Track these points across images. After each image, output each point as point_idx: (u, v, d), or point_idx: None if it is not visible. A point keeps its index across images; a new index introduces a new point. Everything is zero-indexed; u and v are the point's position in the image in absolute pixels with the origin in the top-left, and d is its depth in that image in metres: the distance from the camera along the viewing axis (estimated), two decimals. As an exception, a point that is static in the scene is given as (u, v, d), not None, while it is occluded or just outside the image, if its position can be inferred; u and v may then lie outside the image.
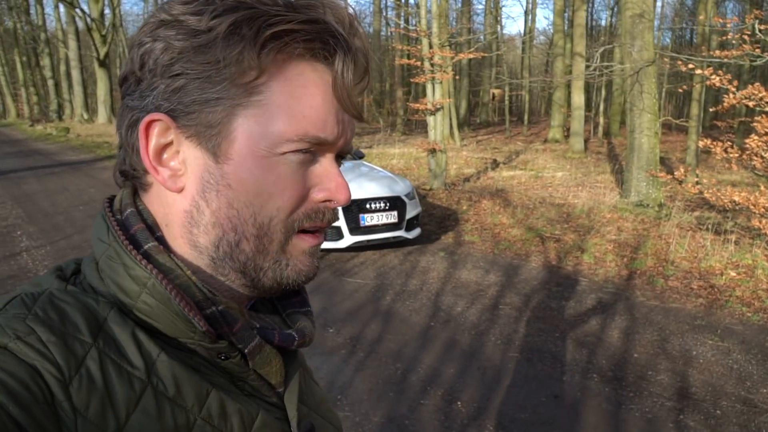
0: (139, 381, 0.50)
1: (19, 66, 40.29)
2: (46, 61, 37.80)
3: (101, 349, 0.49)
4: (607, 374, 3.83)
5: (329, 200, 0.58)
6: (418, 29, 10.70)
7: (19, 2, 37.81)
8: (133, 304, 0.53)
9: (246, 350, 0.56)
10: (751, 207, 5.78)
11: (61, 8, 33.26)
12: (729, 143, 6.28)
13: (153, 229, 0.57)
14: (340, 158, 0.62)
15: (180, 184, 0.56)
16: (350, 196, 0.59)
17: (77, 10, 28.66)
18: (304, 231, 0.59)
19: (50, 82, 36.83)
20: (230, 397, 0.55)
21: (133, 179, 0.59)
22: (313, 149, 0.56)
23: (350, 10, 0.58)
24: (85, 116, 32.40)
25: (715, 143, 6.25)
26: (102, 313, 0.51)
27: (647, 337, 4.44)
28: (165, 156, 0.56)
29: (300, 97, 0.54)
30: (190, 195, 0.56)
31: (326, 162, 0.58)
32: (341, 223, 6.26)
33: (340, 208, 6.28)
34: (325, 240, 6.25)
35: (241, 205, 0.55)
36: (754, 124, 5.74)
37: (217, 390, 0.54)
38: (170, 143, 0.55)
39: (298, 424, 0.63)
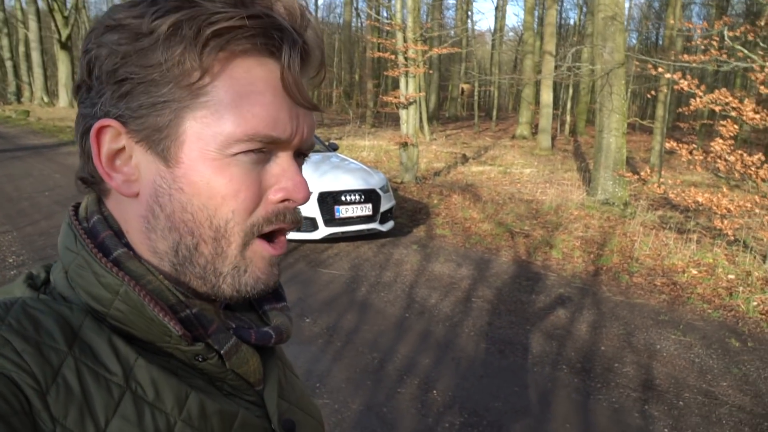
0: (117, 387, 0.49)
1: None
2: (4, 42, 36.37)
3: (77, 357, 0.48)
4: (576, 366, 3.96)
5: (287, 200, 0.57)
6: (393, 22, 10.73)
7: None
8: (106, 312, 0.52)
9: (222, 351, 0.56)
10: (714, 208, 6.02)
11: (22, -14, 32.16)
12: (693, 146, 6.52)
13: (119, 236, 0.57)
14: (303, 156, 0.61)
15: (134, 189, 0.55)
16: (309, 194, 0.58)
17: (39, -11, 27.75)
18: (266, 237, 0.57)
19: (8, 64, 35.47)
20: (210, 398, 0.55)
21: (93, 186, 0.58)
22: (266, 148, 0.55)
23: (300, 2, 0.56)
24: (46, 99, 31.42)
25: (680, 145, 6.47)
26: (76, 321, 0.51)
27: (613, 330, 4.60)
28: (118, 162, 0.55)
29: (248, 95, 0.53)
30: (144, 200, 0.55)
31: (283, 161, 0.57)
32: (316, 214, 6.27)
33: (314, 199, 6.29)
34: (300, 231, 6.26)
35: (195, 209, 0.54)
36: (719, 128, 5.97)
37: (197, 392, 0.54)
38: (122, 149, 0.55)
39: (278, 420, 0.63)
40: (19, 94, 35.24)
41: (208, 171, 0.53)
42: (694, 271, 5.94)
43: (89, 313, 0.52)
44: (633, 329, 4.64)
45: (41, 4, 30.12)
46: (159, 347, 0.54)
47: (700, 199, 6.16)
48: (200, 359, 0.55)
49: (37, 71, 31.52)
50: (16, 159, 12.60)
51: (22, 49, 35.73)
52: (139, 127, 0.53)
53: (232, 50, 0.52)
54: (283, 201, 0.57)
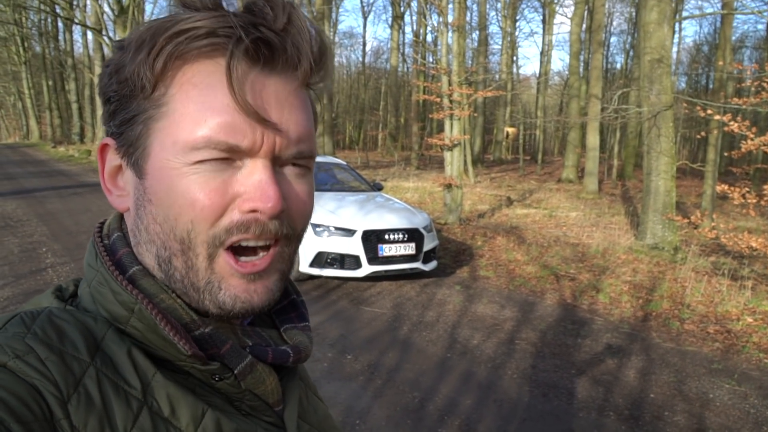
0: (136, 400, 0.49)
1: (45, 89, 41.33)
2: (71, 86, 38.75)
3: (98, 367, 0.49)
4: (624, 413, 3.84)
5: (254, 210, 0.52)
6: (438, 66, 10.95)
7: (49, 29, 39.01)
8: (123, 329, 0.53)
9: (236, 371, 0.55)
10: (769, 253, 5.82)
11: (89, 35, 34.22)
12: (746, 189, 6.35)
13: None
14: (300, 168, 0.57)
15: (125, 204, 0.57)
16: (279, 205, 0.52)
17: (105, 38, 29.47)
18: (236, 251, 0.54)
19: (74, 106, 37.71)
20: (227, 416, 0.54)
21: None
22: (230, 156, 0.52)
23: (286, 3, 0.53)
24: (106, 139, 32.93)
25: (732, 188, 6.32)
26: (99, 333, 0.51)
27: (663, 378, 4.45)
28: (118, 179, 0.58)
29: (202, 100, 0.51)
30: (132, 214, 0.56)
31: (252, 168, 0.53)
32: (360, 252, 6.35)
33: (358, 237, 6.37)
34: (344, 269, 6.34)
35: (161, 220, 0.53)
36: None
37: (214, 410, 0.53)
38: (120, 165, 0.57)
39: None
40: (82, 135, 37.22)
41: (169, 181, 0.52)
42: (750, 319, 5.70)
43: (112, 325, 0.53)
44: (684, 377, 4.48)
45: (107, 51, 31.94)
46: (177, 365, 0.54)
47: (754, 244, 5.96)
48: (217, 378, 0.55)
49: (100, 113, 33.15)
50: (77, 195, 13.25)
51: (87, 92, 37.87)
52: (122, 142, 0.55)
53: (185, 55, 0.51)
54: (251, 212, 0.53)
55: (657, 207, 8.98)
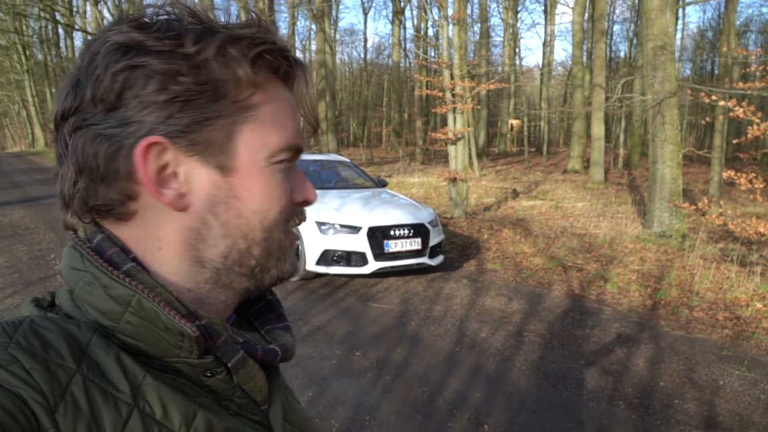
0: (125, 405, 0.50)
1: (48, 97, 41.44)
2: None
3: (85, 374, 0.49)
4: (634, 402, 3.83)
5: (305, 201, 0.65)
6: (439, 60, 10.92)
7: (50, 36, 39.18)
8: (115, 326, 0.53)
9: (230, 364, 0.57)
10: (777, 238, 5.77)
11: (92, 40, 34.37)
12: (753, 174, 6.31)
13: (126, 252, 0.57)
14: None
15: (186, 203, 0.57)
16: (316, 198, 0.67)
17: (107, 43, 29.54)
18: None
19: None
20: (217, 416, 0.55)
21: (107, 212, 0.57)
22: (292, 158, 0.62)
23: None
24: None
25: (739, 174, 6.28)
26: (84, 339, 0.51)
27: (673, 366, 4.43)
28: (164, 177, 0.56)
29: (282, 111, 0.60)
30: (195, 212, 0.57)
31: (296, 168, 0.65)
32: (366, 248, 6.35)
33: (363, 234, 6.38)
34: (350, 266, 6.35)
35: (249, 213, 0.58)
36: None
37: (204, 410, 0.54)
38: (167, 164, 0.55)
39: None
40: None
41: (261, 178, 0.59)
42: (759, 305, 5.67)
43: (97, 330, 0.53)
44: (694, 364, 4.46)
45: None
46: (167, 364, 0.54)
47: (762, 230, 5.92)
48: (209, 374, 0.56)
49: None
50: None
51: (90, 98, 37.96)
52: (191, 141, 0.55)
53: (270, 71, 0.60)
54: (302, 203, 0.65)
55: (663, 195, 8.93)
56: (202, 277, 0.59)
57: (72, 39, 39.24)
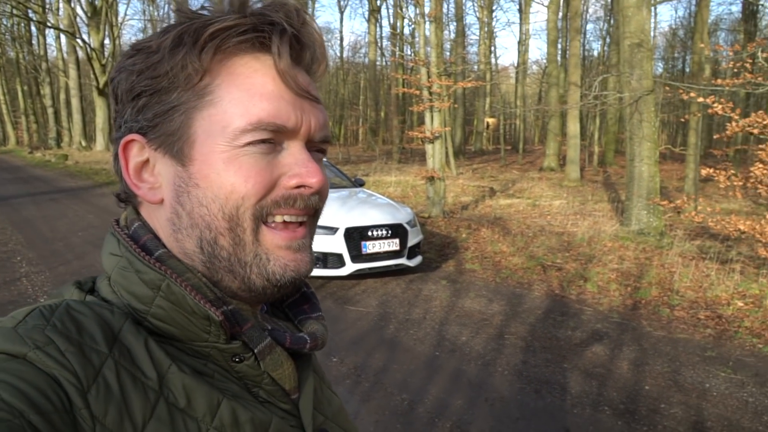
0: (153, 391, 0.50)
1: (20, 95, 40.51)
2: (46, 90, 37.99)
3: (117, 359, 0.49)
4: (619, 407, 3.73)
5: (301, 185, 0.58)
6: (416, 58, 10.80)
7: (22, 33, 38.18)
8: (147, 310, 0.54)
9: (256, 350, 0.57)
10: (757, 236, 5.74)
11: (63, 39, 33.56)
12: (732, 171, 6.28)
13: (158, 239, 0.59)
14: (321, 153, 0.63)
15: (159, 196, 0.59)
16: (323, 181, 0.59)
17: (78, 41, 28.94)
18: (279, 225, 0.59)
19: (50, 111, 36.94)
20: (242, 405, 0.55)
21: (128, 200, 0.63)
22: (274, 138, 0.57)
23: (295, 4, 0.59)
24: (83, 144, 32.45)
25: (717, 172, 6.24)
26: (117, 324, 0.52)
27: (657, 368, 4.34)
28: (144, 173, 0.59)
29: (248, 87, 0.56)
30: (168, 204, 0.59)
31: (294, 149, 0.59)
32: (343, 250, 6.18)
33: (340, 234, 6.21)
34: (327, 268, 6.17)
35: (208, 201, 0.56)
36: (758, 152, 5.74)
37: (229, 399, 0.54)
38: (147, 160, 0.59)
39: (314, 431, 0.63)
40: (59, 139, 36.53)
41: (220, 163, 0.56)
42: (740, 303, 5.64)
43: (129, 316, 0.54)
44: (678, 366, 4.38)
45: (80, 54, 31.36)
46: (198, 349, 0.55)
47: (742, 227, 5.89)
48: (237, 360, 0.56)
49: (76, 117, 32.66)
50: (53, 201, 12.90)
51: (62, 96, 37.18)
52: (155, 135, 0.57)
53: (229, 48, 0.56)
54: (297, 187, 0.58)
55: (641, 193, 8.91)
56: (199, 267, 0.58)
57: (44, 36, 38.38)
